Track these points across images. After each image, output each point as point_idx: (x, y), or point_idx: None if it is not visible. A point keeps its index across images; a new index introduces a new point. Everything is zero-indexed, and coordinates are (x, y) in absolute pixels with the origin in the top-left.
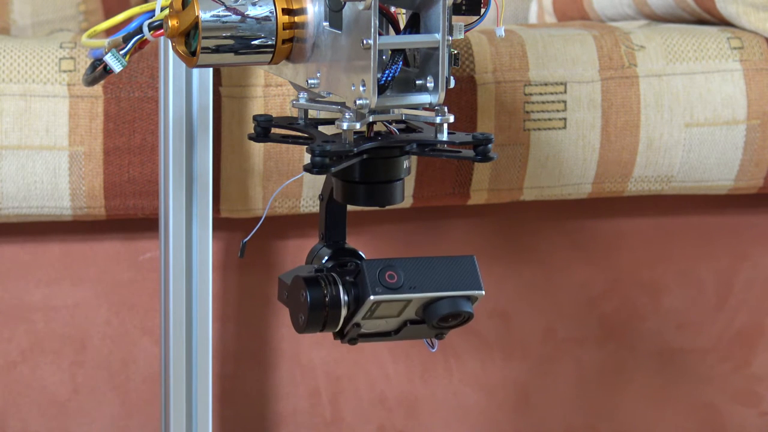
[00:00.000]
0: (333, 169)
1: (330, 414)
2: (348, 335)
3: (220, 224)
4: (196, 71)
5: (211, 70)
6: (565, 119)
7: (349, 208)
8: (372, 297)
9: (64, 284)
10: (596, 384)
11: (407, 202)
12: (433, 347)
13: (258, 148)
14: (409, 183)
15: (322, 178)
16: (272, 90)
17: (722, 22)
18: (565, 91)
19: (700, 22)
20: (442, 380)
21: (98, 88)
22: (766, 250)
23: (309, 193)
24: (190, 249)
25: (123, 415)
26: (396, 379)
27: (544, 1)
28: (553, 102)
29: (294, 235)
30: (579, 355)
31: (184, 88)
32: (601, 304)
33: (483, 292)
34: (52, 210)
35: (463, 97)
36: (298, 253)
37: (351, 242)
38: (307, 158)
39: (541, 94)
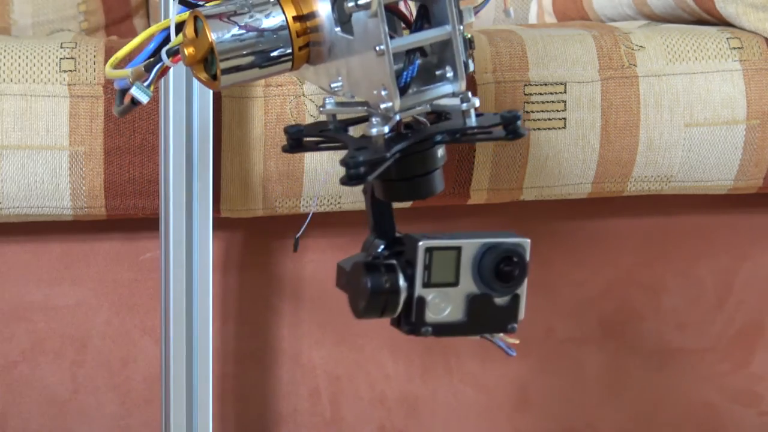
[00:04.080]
0: (369, 179)
1: (330, 414)
2: (416, 319)
3: (220, 224)
4: None
5: None
6: (564, 119)
7: (345, 206)
8: (421, 242)
9: (64, 284)
10: (596, 384)
11: (406, 202)
12: (511, 350)
13: (258, 148)
14: None
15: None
16: (272, 90)
17: (722, 22)
18: (565, 91)
19: (700, 22)
20: (442, 380)
21: (98, 88)
22: (765, 250)
23: (309, 192)
24: (190, 249)
25: (123, 414)
26: (396, 379)
27: (544, 1)
28: (552, 102)
29: (294, 234)
30: (579, 355)
31: (184, 89)
32: (601, 304)
33: (528, 240)
34: (52, 210)
35: None
36: (297, 253)
37: (350, 241)
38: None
39: (540, 94)
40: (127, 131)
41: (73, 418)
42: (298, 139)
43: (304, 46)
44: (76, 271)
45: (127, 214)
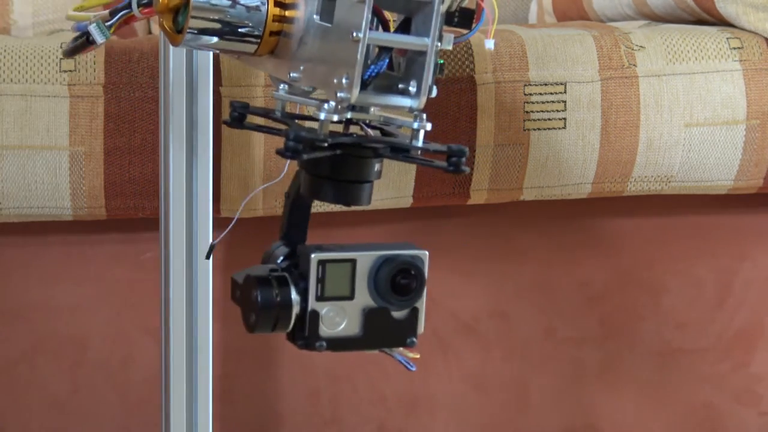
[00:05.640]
0: (305, 156)
1: (330, 414)
2: (309, 333)
3: (220, 224)
4: (196, 70)
5: (211, 70)
6: (565, 119)
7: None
8: (313, 255)
9: (64, 284)
10: (596, 384)
11: (407, 201)
12: (411, 365)
13: (258, 148)
14: (409, 183)
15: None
16: (272, 90)
17: (722, 22)
18: (565, 91)
19: (700, 22)
20: (442, 380)
21: (99, 88)
22: (765, 250)
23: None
24: (190, 249)
25: (123, 415)
26: (396, 378)
27: (544, 1)
28: (553, 102)
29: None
30: (579, 355)
31: (184, 88)
32: (601, 304)
33: (426, 252)
34: (52, 210)
35: (463, 97)
36: None
37: (350, 242)
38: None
39: (541, 94)
40: (127, 131)
41: (73, 418)
42: (242, 114)
43: (275, 33)
44: (76, 271)
45: (127, 214)
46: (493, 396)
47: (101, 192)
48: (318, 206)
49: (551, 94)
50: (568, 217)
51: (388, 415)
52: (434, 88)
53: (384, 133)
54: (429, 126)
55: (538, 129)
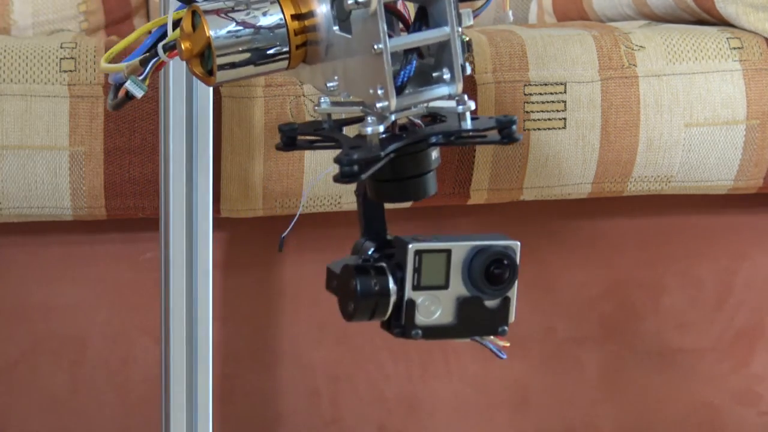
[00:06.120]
0: (363, 177)
1: (330, 414)
2: (406, 322)
3: (220, 224)
4: None
5: None
6: (565, 119)
7: (345, 206)
8: (411, 245)
9: (64, 284)
10: (596, 384)
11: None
12: (502, 353)
13: (258, 148)
14: None
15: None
16: (273, 90)
17: (722, 22)
18: (565, 91)
19: (700, 22)
20: (442, 380)
21: (98, 88)
22: (765, 250)
23: (309, 192)
24: (190, 249)
25: (123, 415)
26: (396, 378)
27: (544, 1)
28: (553, 102)
29: (293, 234)
30: (579, 355)
31: (184, 89)
32: (601, 304)
33: (519, 243)
34: (52, 210)
35: None
36: (297, 253)
37: (350, 241)
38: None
39: (540, 94)
40: (127, 131)
41: (73, 418)
42: (292, 138)
43: (302, 45)
44: (76, 271)
45: (127, 214)
46: (493, 396)
47: (101, 192)
48: (318, 206)
49: (551, 94)
50: (568, 217)
51: (388, 415)
52: (467, 66)
53: (432, 117)
54: (473, 105)
55: (538, 129)
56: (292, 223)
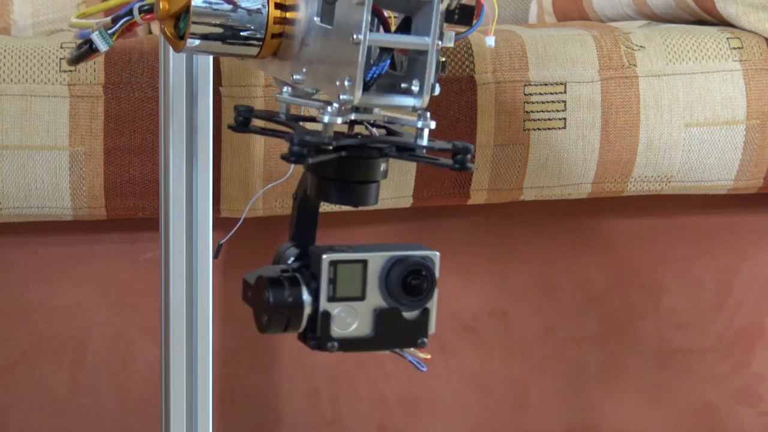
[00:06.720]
0: (310, 161)
1: (330, 414)
2: (321, 334)
3: (220, 224)
4: (196, 70)
5: (211, 70)
6: (565, 119)
7: (339, 207)
8: (325, 256)
9: (64, 284)
10: (596, 384)
11: (407, 201)
12: (422, 366)
13: (258, 149)
14: (409, 183)
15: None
16: (273, 90)
17: (722, 22)
18: (565, 91)
19: (700, 22)
20: (442, 380)
21: (99, 88)
22: (765, 250)
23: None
24: (190, 249)
25: (123, 415)
26: (396, 378)
27: (544, 1)
28: (553, 102)
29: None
30: (579, 355)
31: (184, 89)
32: (601, 304)
33: (437, 253)
34: (52, 210)
35: (463, 97)
36: None
37: (349, 241)
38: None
39: (541, 94)
40: (127, 131)
41: (73, 418)
42: (247, 119)
43: (277, 35)
44: (76, 271)
45: (127, 214)
46: (493, 396)
47: (101, 192)
48: (321, 206)
49: (551, 94)
50: (568, 217)
51: (388, 415)
52: (437, 86)
53: (389, 131)
54: (433, 124)
55: (538, 129)
56: (234, 230)
